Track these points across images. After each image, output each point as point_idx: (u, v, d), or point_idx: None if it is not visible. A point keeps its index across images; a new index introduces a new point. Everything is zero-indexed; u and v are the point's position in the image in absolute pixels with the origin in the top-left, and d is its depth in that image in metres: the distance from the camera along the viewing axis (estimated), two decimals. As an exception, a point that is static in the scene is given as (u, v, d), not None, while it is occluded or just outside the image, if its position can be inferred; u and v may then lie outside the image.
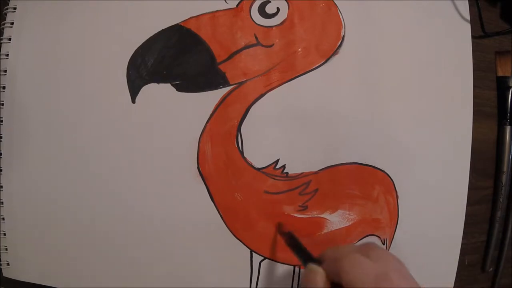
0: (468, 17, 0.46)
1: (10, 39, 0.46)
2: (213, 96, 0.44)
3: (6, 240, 0.46)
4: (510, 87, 0.48)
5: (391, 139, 0.45)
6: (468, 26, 0.46)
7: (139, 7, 0.46)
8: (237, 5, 0.45)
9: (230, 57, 0.44)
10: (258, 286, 0.44)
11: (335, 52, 0.45)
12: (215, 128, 0.44)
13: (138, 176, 0.44)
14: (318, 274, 0.32)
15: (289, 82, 0.44)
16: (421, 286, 0.30)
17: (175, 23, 0.45)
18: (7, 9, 0.47)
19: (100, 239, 0.45)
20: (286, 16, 0.45)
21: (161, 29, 0.45)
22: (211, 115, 0.44)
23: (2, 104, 0.46)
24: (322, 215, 0.45)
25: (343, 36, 0.45)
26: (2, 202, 0.46)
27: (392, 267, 0.31)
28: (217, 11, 0.45)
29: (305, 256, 0.36)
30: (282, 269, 0.45)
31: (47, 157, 0.45)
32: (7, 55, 0.46)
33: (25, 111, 0.46)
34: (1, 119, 0.46)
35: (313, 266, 0.33)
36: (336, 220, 0.45)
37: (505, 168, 0.48)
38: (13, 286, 0.46)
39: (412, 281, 0.31)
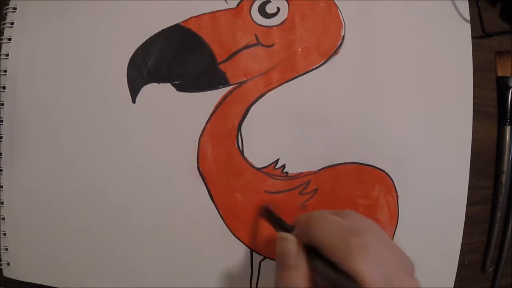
0: (468, 17, 0.46)
1: (10, 39, 0.46)
2: (213, 96, 0.44)
3: (7, 240, 0.46)
4: (510, 87, 0.48)
5: (391, 138, 0.45)
6: (468, 26, 0.46)
7: (139, 7, 0.46)
8: (237, 5, 0.45)
9: (231, 57, 0.44)
10: (258, 286, 0.44)
11: (335, 52, 0.45)
12: (215, 128, 0.44)
13: (138, 176, 0.44)
14: (289, 241, 0.32)
15: (289, 82, 0.44)
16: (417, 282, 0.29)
17: (176, 23, 0.45)
18: (7, 9, 0.47)
19: (100, 239, 0.45)
20: (286, 16, 0.45)
21: (161, 29, 0.45)
22: (211, 115, 0.44)
23: (2, 104, 0.46)
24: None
25: (343, 36, 0.45)
26: (2, 202, 0.46)
27: (365, 225, 0.31)
28: (218, 11, 0.45)
29: (279, 225, 0.36)
30: (282, 268, 0.45)
31: (47, 157, 0.45)
32: (7, 55, 0.46)
33: (25, 111, 0.46)
34: (1, 119, 0.46)
35: (282, 234, 0.33)
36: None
37: (505, 168, 0.48)
38: (13, 286, 0.46)
39: (390, 242, 0.30)
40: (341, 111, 0.45)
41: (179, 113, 0.44)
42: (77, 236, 0.45)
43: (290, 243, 0.32)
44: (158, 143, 0.44)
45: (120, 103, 0.45)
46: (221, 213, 0.44)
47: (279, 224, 0.36)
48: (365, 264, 0.27)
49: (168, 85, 0.44)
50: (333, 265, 0.29)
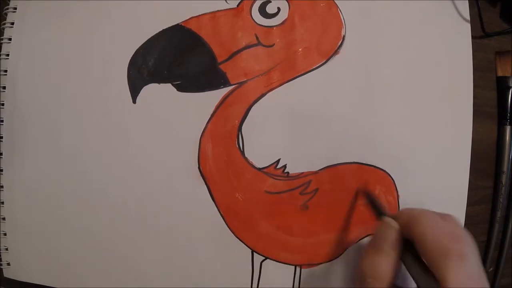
0: (468, 17, 0.46)
1: (10, 39, 0.46)
2: (213, 96, 0.44)
3: (7, 240, 0.46)
4: (510, 87, 0.48)
5: (391, 138, 0.45)
6: (468, 26, 0.46)
7: (139, 7, 0.46)
8: (237, 5, 0.45)
9: (231, 57, 0.44)
10: (259, 287, 0.44)
11: (335, 52, 0.45)
12: (216, 128, 0.44)
13: (139, 176, 0.44)
14: (393, 228, 0.34)
15: (289, 82, 0.44)
16: None
17: (176, 23, 0.45)
18: (7, 9, 0.47)
19: (100, 239, 0.45)
20: (286, 16, 0.45)
21: (161, 29, 0.45)
22: (212, 115, 0.44)
23: (3, 105, 0.46)
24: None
25: (344, 36, 0.45)
26: (2, 202, 0.46)
27: (464, 235, 0.31)
28: (218, 11, 0.45)
29: (382, 212, 0.38)
30: (283, 269, 0.44)
31: (48, 157, 0.45)
32: (8, 55, 0.46)
33: (25, 111, 0.46)
34: (2, 119, 0.46)
35: (389, 220, 0.34)
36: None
37: (505, 168, 0.48)
38: (13, 286, 0.46)
39: (477, 256, 0.31)
40: (341, 111, 0.45)
41: (179, 113, 0.44)
42: (77, 236, 0.45)
43: (392, 230, 0.34)
44: (158, 143, 0.44)
45: (120, 103, 0.45)
46: (221, 213, 0.44)
47: (379, 209, 0.38)
48: (456, 273, 0.28)
49: (169, 85, 0.44)
50: (423, 264, 0.31)
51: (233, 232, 0.44)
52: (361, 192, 0.44)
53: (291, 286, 0.44)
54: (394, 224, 0.34)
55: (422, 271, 0.31)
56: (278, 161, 0.44)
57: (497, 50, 0.49)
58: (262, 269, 0.44)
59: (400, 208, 0.45)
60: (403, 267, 0.34)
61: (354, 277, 0.35)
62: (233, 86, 0.44)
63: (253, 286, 0.44)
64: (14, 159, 0.46)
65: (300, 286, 0.45)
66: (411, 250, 0.32)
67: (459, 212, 0.46)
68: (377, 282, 0.32)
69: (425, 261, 0.31)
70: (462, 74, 0.46)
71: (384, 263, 0.32)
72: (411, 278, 0.33)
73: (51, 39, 0.46)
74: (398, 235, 0.33)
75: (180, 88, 0.44)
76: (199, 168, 0.44)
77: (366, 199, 0.43)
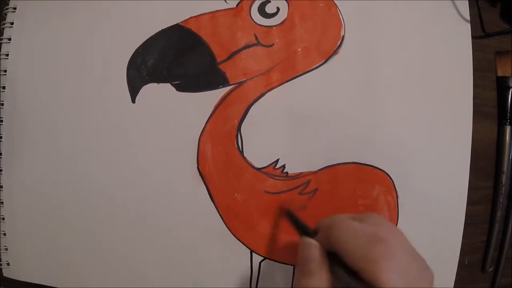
0: (468, 17, 0.46)
1: (10, 39, 0.46)
2: (213, 96, 0.44)
3: (6, 240, 0.46)
4: (510, 87, 0.48)
5: (391, 139, 0.45)
6: (468, 26, 0.46)
7: (139, 7, 0.46)
8: (237, 5, 0.45)
9: (230, 57, 0.44)
10: (258, 286, 0.44)
11: (335, 52, 0.45)
12: (215, 128, 0.44)
13: (138, 176, 0.44)
14: (312, 246, 0.32)
15: (289, 82, 0.44)
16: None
17: (175, 23, 0.45)
18: (7, 9, 0.47)
19: (100, 239, 0.45)
20: (286, 16, 0.45)
21: (161, 29, 0.45)
22: (211, 115, 0.44)
23: (2, 104, 0.46)
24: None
25: (343, 36, 0.45)
26: (2, 202, 0.46)
27: (387, 231, 0.30)
28: (217, 11, 0.45)
29: (302, 229, 0.36)
30: (282, 269, 0.44)
31: (47, 157, 0.45)
32: (7, 55, 0.46)
33: (25, 111, 0.46)
34: (1, 119, 0.46)
35: (306, 239, 0.33)
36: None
37: (505, 168, 0.48)
38: (13, 286, 0.46)
39: (409, 249, 0.30)
40: (341, 111, 0.45)
41: (179, 113, 0.44)
42: (77, 236, 0.45)
43: (313, 248, 0.32)
44: (158, 143, 0.44)
45: (120, 103, 0.45)
46: (221, 213, 0.44)
47: (300, 227, 0.36)
48: (387, 273, 0.27)
49: (168, 85, 0.44)
50: (354, 273, 0.29)
51: (232, 232, 0.44)
52: (283, 211, 0.43)
53: (290, 286, 0.44)
54: (314, 243, 0.32)
55: (357, 281, 0.29)
56: (277, 161, 0.44)
57: (497, 50, 0.49)
58: (261, 269, 0.44)
59: (400, 208, 0.45)
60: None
61: None
62: (233, 86, 0.44)
63: (252, 286, 0.44)
64: (14, 159, 0.46)
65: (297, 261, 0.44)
66: (340, 261, 0.31)
67: (459, 212, 0.46)
68: None
69: (351, 268, 0.29)
70: (462, 74, 0.46)
71: (318, 283, 0.31)
72: None
73: (51, 39, 0.46)
74: (321, 251, 0.32)
75: (180, 88, 0.44)
76: (198, 168, 0.44)
77: (288, 218, 0.40)
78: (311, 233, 0.34)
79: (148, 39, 0.45)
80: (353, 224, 0.31)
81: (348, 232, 0.30)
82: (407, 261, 0.29)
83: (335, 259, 0.31)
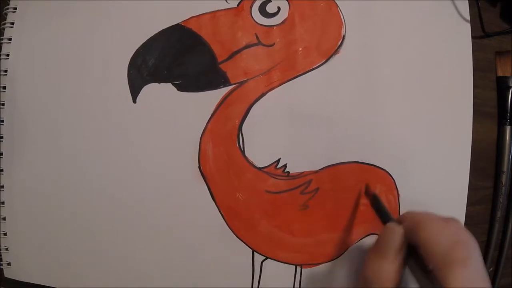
0: (468, 17, 0.47)
1: (10, 39, 0.46)
2: (214, 96, 0.44)
3: (7, 240, 0.46)
4: (510, 87, 0.48)
5: (391, 138, 0.45)
6: (468, 26, 0.47)
7: (139, 7, 0.46)
8: (237, 5, 0.45)
9: (231, 56, 0.44)
10: (260, 286, 0.44)
11: (335, 52, 0.45)
12: (216, 127, 0.44)
13: (139, 176, 0.44)
14: (397, 233, 0.34)
15: (290, 82, 0.44)
16: None
17: (176, 22, 0.45)
18: (7, 9, 0.47)
19: (101, 239, 0.45)
20: (286, 16, 0.45)
21: (161, 29, 0.45)
22: (212, 114, 0.44)
23: (3, 104, 0.46)
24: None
25: (344, 36, 0.45)
26: (3, 202, 0.46)
27: (469, 238, 0.32)
28: (218, 10, 0.45)
29: (386, 216, 0.38)
30: (284, 269, 0.44)
31: (48, 157, 0.45)
32: (8, 55, 0.46)
33: (25, 111, 0.46)
34: (2, 119, 0.46)
35: (393, 224, 0.35)
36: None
37: (505, 168, 0.48)
38: (13, 286, 0.46)
39: (480, 259, 0.31)
40: (341, 111, 0.45)
41: (179, 113, 0.44)
42: (77, 236, 0.45)
43: (397, 235, 0.34)
44: (158, 143, 0.44)
45: (120, 103, 0.45)
46: (222, 213, 0.44)
47: (385, 214, 0.38)
48: (460, 279, 0.28)
49: (169, 85, 0.44)
50: (426, 270, 0.31)
51: (233, 232, 0.44)
52: (367, 194, 0.44)
53: (292, 286, 0.45)
54: (399, 230, 0.34)
55: (425, 276, 0.31)
56: (278, 160, 0.44)
57: (497, 50, 0.49)
58: (262, 269, 0.44)
59: (400, 207, 0.45)
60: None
61: (358, 280, 0.35)
62: (233, 86, 0.44)
63: (253, 286, 0.44)
64: (14, 159, 0.46)
65: (301, 286, 0.45)
66: (415, 254, 0.33)
67: (459, 212, 0.46)
68: (383, 286, 0.32)
69: (428, 266, 0.31)
70: (462, 74, 0.46)
71: (389, 268, 0.33)
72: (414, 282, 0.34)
73: (51, 39, 0.46)
74: (402, 240, 0.34)
75: (180, 87, 0.44)
76: (199, 168, 0.44)
77: (371, 201, 0.42)
78: (394, 220, 0.36)
79: (148, 39, 0.45)
80: (441, 225, 0.32)
81: (436, 230, 0.32)
82: (477, 270, 0.30)
83: (411, 252, 0.33)
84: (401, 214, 0.37)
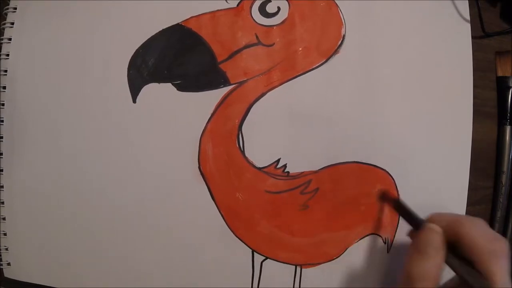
0: (468, 17, 0.47)
1: (10, 39, 0.46)
2: (214, 96, 0.44)
3: (7, 240, 0.46)
4: (510, 87, 0.48)
5: (391, 138, 0.45)
6: (468, 26, 0.47)
7: (139, 7, 0.46)
8: (237, 5, 0.45)
9: (231, 56, 0.44)
10: (259, 286, 0.44)
11: (335, 52, 0.45)
12: (216, 127, 0.44)
13: (139, 176, 0.44)
14: (437, 232, 0.36)
15: (289, 82, 0.44)
16: None
17: (176, 22, 0.45)
18: (7, 9, 0.47)
19: (100, 239, 0.45)
20: (286, 16, 0.45)
21: (161, 29, 0.45)
22: (212, 114, 0.44)
23: (3, 104, 0.46)
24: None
25: (344, 36, 0.45)
26: (3, 202, 0.46)
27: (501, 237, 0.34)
28: (218, 10, 0.45)
29: (415, 220, 0.39)
30: (283, 269, 0.44)
31: (48, 157, 0.45)
32: (8, 55, 0.46)
33: (25, 111, 0.46)
34: (2, 119, 0.46)
35: (433, 226, 0.36)
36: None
37: (505, 168, 0.48)
38: (13, 286, 0.46)
39: None
40: (341, 111, 0.45)
41: (179, 113, 0.44)
42: (77, 236, 0.45)
43: (436, 234, 0.35)
44: (158, 143, 0.44)
45: (120, 103, 0.45)
46: (222, 213, 0.44)
47: (413, 217, 0.39)
48: (502, 269, 0.31)
49: (169, 85, 0.44)
50: (467, 263, 0.33)
51: (233, 232, 0.44)
52: (385, 199, 0.44)
53: (292, 286, 0.44)
54: (438, 229, 0.36)
55: (470, 270, 0.33)
56: (278, 160, 0.44)
57: (497, 50, 0.49)
58: (262, 269, 0.44)
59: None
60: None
61: (399, 281, 0.37)
62: (233, 86, 0.44)
63: (253, 286, 0.44)
64: (14, 159, 0.46)
65: (301, 286, 0.44)
66: (452, 251, 0.35)
67: (459, 212, 0.46)
68: (428, 284, 0.34)
69: (471, 260, 0.33)
70: (462, 74, 0.46)
71: (433, 266, 0.34)
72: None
73: (51, 39, 0.46)
74: (442, 238, 0.35)
75: (180, 87, 0.44)
76: (199, 167, 0.44)
77: (394, 207, 0.43)
78: (420, 221, 0.38)
79: (148, 39, 0.45)
80: (478, 222, 0.35)
81: (477, 228, 0.34)
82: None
83: (450, 249, 0.35)
84: (430, 215, 0.38)
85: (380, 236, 0.45)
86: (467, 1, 0.47)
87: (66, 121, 0.45)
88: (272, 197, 0.44)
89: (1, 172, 0.46)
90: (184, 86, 0.44)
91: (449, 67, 0.46)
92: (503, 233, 0.49)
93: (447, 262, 0.35)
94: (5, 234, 0.46)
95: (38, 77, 0.46)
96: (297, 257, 0.44)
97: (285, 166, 0.44)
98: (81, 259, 0.45)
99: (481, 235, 0.33)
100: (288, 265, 0.44)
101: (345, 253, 0.45)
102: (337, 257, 0.45)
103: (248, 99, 0.44)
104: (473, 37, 0.46)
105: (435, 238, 0.35)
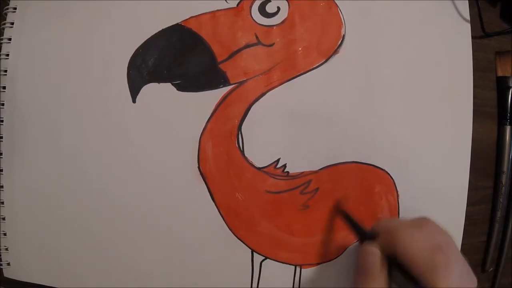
0: (468, 17, 0.46)
1: (10, 39, 0.46)
2: (213, 96, 0.44)
3: (7, 240, 0.46)
4: (510, 87, 0.48)
5: (391, 138, 0.45)
6: (468, 26, 0.47)
7: (139, 7, 0.46)
8: (237, 5, 0.45)
9: (231, 56, 0.44)
10: (259, 286, 0.44)
11: (335, 52, 0.45)
12: (216, 127, 0.44)
13: (139, 176, 0.44)
14: (374, 254, 0.34)
15: (289, 82, 0.44)
16: None
17: (176, 22, 0.45)
18: (7, 9, 0.47)
19: (100, 239, 0.45)
20: (286, 16, 0.45)
21: (161, 29, 0.45)
22: (212, 114, 0.44)
23: (3, 104, 0.46)
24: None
25: (344, 35, 0.45)
26: (3, 202, 0.46)
27: (444, 239, 0.33)
28: (218, 10, 0.45)
29: (361, 232, 0.39)
30: (283, 269, 0.44)
31: (48, 157, 0.45)
32: (7, 55, 0.46)
33: (25, 111, 0.46)
34: (1, 119, 0.46)
35: (368, 248, 0.35)
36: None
37: (505, 168, 0.48)
38: (13, 286, 0.46)
39: (460, 256, 0.33)
40: (341, 111, 0.45)
41: (179, 112, 0.44)
42: (77, 236, 0.45)
43: (374, 256, 0.35)
44: (158, 143, 0.44)
45: (120, 103, 0.45)
46: (221, 213, 0.44)
47: (359, 229, 0.39)
48: (446, 281, 0.30)
49: (169, 84, 0.44)
50: (412, 278, 0.32)
51: (233, 232, 0.44)
52: (339, 211, 0.44)
53: (291, 286, 0.44)
54: (375, 251, 0.35)
55: (410, 283, 0.32)
56: (278, 160, 0.44)
57: (497, 50, 0.49)
58: (262, 269, 0.44)
59: (400, 208, 0.45)
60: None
61: None
62: (233, 86, 0.44)
63: (253, 286, 0.44)
64: (14, 159, 0.46)
65: (300, 286, 0.44)
66: (396, 264, 0.34)
67: (459, 212, 0.46)
68: None
69: (412, 274, 0.32)
70: (462, 74, 0.46)
71: (378, 284, 0.34)
72: None
73: (51, 39, 0.46)
74: (381, 257, 0.34)
75: (180, 87, 0.44)
76: (199, 167, 0.44)
77: (344, 219, 0.42)
78: (368, 236, 0.37)
79: (148, 39, 0.45)
80: (415, 234, 0.33)
81: (412, 241, 0.33)
82: (460, 268, 0.32)
83: (394, 264, 0.34)
84: (376, 223, 0.38)
85: (380, 236, 0.45)
86: (467, 1, 0.47)
87: (66, 121, 0.45)
88: (272, 197, 0.44)
89: (1, 172, 0.46)
90: (184, 86, 0.44)
91: (449, 67, 0.46)
92: (503, 233, 0.49)
93: (392, 279, 0.34)
94: (5, 234, 0.46)
95: (38, 77, 0.46)
96: (297, 257, 0.44)
97: (284, 166, 0.44)
98: (81, 259, 0.45)
99: (418, 248, 0.32)
100: (287, 265, 0.44)
101: (344, 253, 0.45)
102: (336, 257, 0.45)
103: (248, 99, 0.44)
104: (473, 37, 0.46)
105: (372, 260, 0.34)
